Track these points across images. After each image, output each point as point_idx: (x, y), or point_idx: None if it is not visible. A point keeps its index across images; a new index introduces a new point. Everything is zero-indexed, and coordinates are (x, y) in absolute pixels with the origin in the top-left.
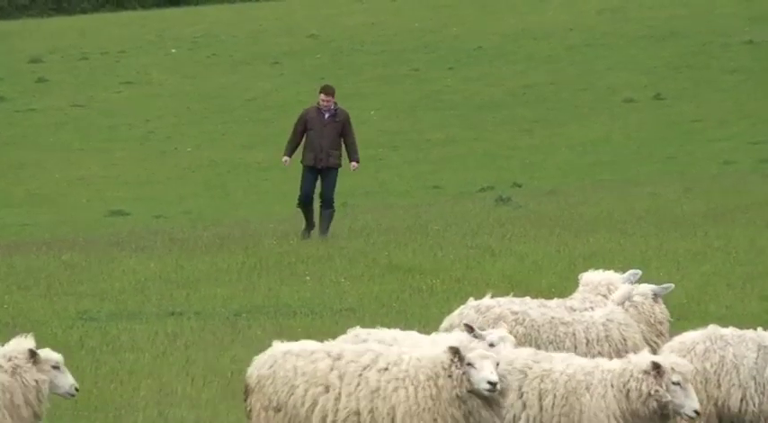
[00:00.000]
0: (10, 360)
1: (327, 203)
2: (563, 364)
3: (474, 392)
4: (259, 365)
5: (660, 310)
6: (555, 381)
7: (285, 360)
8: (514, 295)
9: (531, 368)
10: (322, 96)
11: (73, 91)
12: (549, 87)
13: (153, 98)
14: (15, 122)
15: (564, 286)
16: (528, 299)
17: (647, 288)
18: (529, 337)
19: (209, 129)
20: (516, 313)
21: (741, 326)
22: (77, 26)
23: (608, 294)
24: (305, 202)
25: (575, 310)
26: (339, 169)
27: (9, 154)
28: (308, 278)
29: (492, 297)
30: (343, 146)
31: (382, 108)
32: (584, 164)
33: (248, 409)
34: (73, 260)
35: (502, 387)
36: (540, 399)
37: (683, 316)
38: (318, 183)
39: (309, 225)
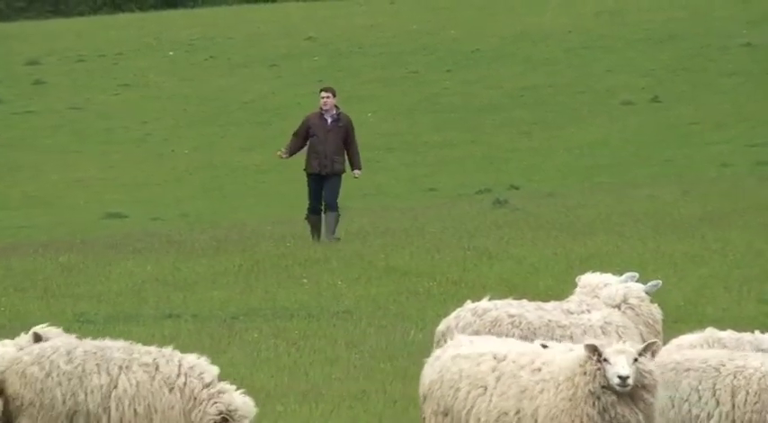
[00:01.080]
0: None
1: (331, 207)
2: (757, 361)
3: (609, 388)
4: (429, 372)
5: (656, 310)
6: (748, 377)
7: (453, 363)
8: (513, 298)
9: (724, 365)
10: (321, 94)
11: (70, 93)
12: (548, 90)
13: (150, 100)
14: (12, 125)
15: (561, 289)
16: (525, 302)
17: (640, 288)
18: (526, 340)
19: (206, 131)
20: (513, 316)
21: (738, 329)
22: (74, 28)
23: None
24: (313, 212)
25: (572, 313)
26: (343, 175)
27: (6, 156)
28: (304, 281)
29: (490, 300)
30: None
31: (380, 110)
32: (582, 166)
33: (422, 416)
34: (70, 262)
35: (645, 382)
36: (733, 395)
37: (680, 319)
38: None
39: (315, 234)
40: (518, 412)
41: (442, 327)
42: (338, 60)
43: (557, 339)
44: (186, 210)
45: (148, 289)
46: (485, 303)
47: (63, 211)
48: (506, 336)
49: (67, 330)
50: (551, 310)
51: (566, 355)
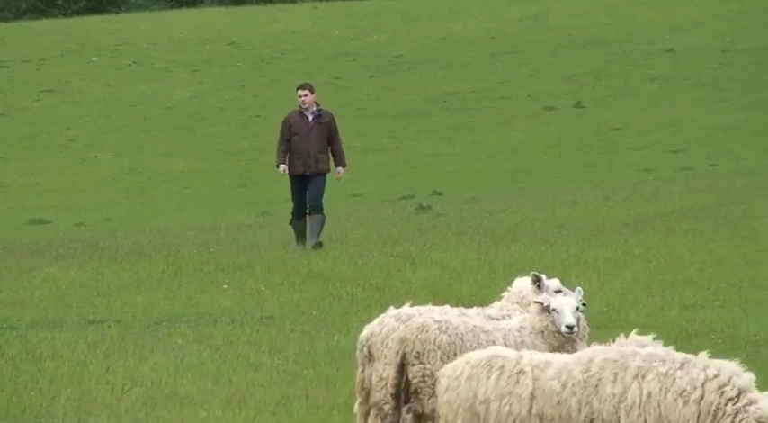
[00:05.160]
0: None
1: (317, 209)
2: None
3: None
4: None
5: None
6: None
7: None
8: (434, 303)
9: None
10: (299, 92)
11: None
12: (470, 95)
13: (73, 106)
14: None
15: (484, 294)
16: (447, 307)
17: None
18: (453, 346)
19: (129, 137)
20: (439, 322)
21: (661, 334)
22: None
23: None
24: (298, 217)
25: (493, 319)
26: (327, 174)
27: None
28: (225, 286)
29: (412, 306)
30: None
31: None
32: (505, 172)
33: None
34: None
35: None
36: None
37: (603, 324)
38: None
39: (300, 240)
40: None
41: (365, 333)
42: (261, 66)
43: (482, 344)
44: (109, 215)
45: (72, 295)
46: (408, 309)
47: None
48: (434, 341)
49: None
50: (474, 316)
51: None
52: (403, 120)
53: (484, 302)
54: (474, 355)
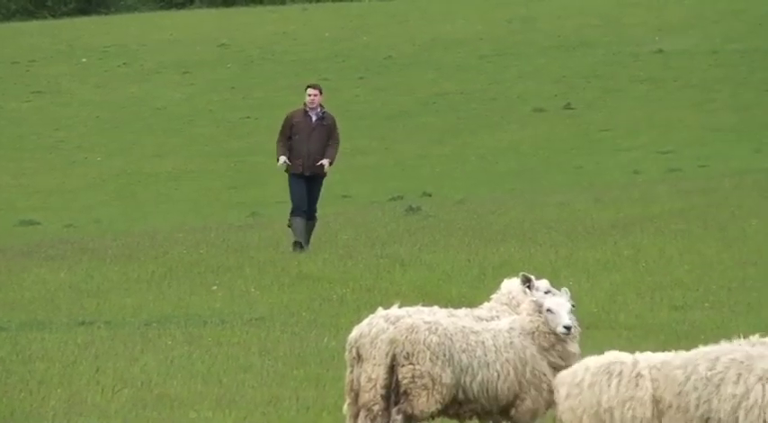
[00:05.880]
0: None
1: (310, 214)
2: None
3: None
4: None
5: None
6: None
7: None
8: (423, 305)
9: None
10: (308, 91)
11: None
12: (460, 97)
13: (63, 107)
14: None
15: (474, 296)
16: (436, 308)
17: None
18: (443, 346)
19: (119, 138)
20: (428, 322)
21: (650, 335)
22: None
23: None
24: (298, 214)
25: (482, 320)
26: (325, 178)
27: None
28: (215, 288)
29: (400, 307)
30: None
31: None
32: (494, 173)
33: None
34: None
35: None
36: None
37: (593, 325)
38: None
39: (299, 245)
40: None
41: (354, 334)
42: (251, 67)
43: (471, 345)
44: (99, 217)
45: (62, 296)
46: (396, 310)
47: None
48: (423, 342)
49: None
50: (463, 317)
51: None
52: (392, 121)
53: (473, 304)
54: (592, 362)
